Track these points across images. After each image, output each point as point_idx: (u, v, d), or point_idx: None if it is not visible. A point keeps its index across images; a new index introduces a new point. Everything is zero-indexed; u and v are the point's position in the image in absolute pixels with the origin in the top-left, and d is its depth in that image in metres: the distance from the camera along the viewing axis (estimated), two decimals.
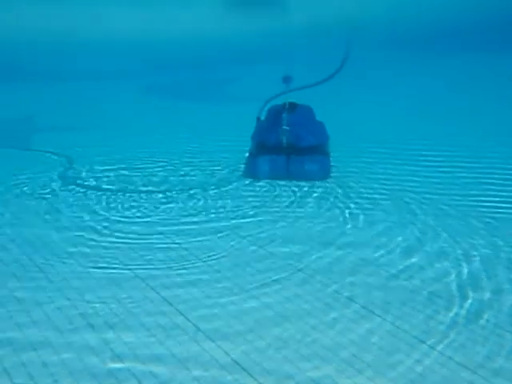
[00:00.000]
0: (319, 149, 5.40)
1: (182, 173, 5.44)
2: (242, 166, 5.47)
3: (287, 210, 4.46)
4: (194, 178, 5.30)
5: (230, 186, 5.01)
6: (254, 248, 3.79)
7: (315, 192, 4.83)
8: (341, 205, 4.57)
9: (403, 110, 7.82)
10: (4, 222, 4.24)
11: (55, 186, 5.05)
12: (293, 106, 5.39)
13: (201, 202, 4.65)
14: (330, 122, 5.52)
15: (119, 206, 4.57)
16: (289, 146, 5.28)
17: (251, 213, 4.38)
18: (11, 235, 4.02)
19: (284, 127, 5.19)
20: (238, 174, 5.38)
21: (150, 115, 7.57)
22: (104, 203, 4.64)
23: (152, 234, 4.01)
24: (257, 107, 5.70)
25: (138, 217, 4.31)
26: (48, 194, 4.86)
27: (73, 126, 6.86)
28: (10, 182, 5.10)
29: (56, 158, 5.80)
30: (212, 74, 10.19)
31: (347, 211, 4.42)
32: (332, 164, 5.33)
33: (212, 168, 5.59)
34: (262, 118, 5.64)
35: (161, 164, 5.66)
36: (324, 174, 5.27)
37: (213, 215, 4.32)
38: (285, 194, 4.81)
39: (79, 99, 8.56)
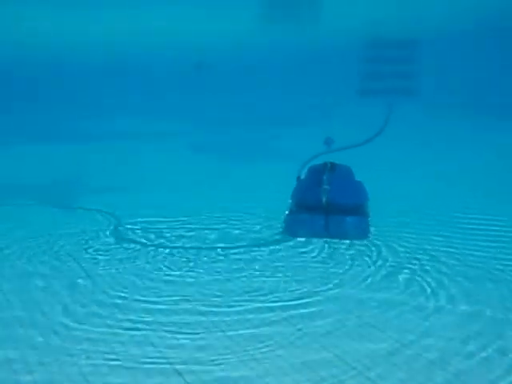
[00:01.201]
0: (358, 208, 5.51)
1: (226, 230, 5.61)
2: (281, 223, 5.63)
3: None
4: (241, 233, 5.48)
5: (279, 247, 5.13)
6: None
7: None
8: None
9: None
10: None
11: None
12: (333, 166, 5.57)
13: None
14: (371, 184, 5.64)
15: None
16: (328, 205, 5.40)
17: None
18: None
19: (325, 186, 5.24)
20: (278, 231, 5.52)
21: (196, 174, 7.64)
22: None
23: None
24: (296, 166, 5.77)
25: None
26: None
27: (119, 186, 7.08)
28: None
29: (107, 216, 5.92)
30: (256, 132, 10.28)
31: None
32: (371, 224, 5.41)
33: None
34: (302, 177, 5.71)
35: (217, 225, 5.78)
36: (363, 234, 5.36)
37: None
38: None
39: (124, 159, 8.71)
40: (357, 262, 4.74)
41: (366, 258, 4.81)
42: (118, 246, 5.11)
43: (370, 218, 5.42)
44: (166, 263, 4.76)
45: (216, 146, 9.65)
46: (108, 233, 5.47)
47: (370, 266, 4.63)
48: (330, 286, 4.29)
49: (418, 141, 9.73)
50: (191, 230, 5.60)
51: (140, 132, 10.69)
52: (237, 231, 5.57)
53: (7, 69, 11.89)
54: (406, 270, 4.58)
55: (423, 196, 6.72)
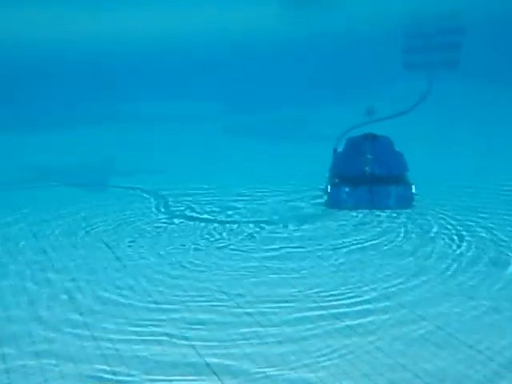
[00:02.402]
0: (400, 178, 5.55)
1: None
2: (323, 197, 5.66)
3: None
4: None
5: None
6: None
7: None
8: None
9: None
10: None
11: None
12: (373, 137, 5.59)
13: None
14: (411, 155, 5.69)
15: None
16: (371, 176, 5.46)
17: None
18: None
19: (368, 156, 5.21)
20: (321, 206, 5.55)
21: (229, 155, 7.65)
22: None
23: None
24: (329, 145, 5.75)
25: None
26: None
27: (153, 168, 7.11)
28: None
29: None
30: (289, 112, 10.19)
31: None
32: (415, 193, 5.41)
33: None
34: (339, 149, 5.69)
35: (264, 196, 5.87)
36: (407, 203, 5.39)
37: None
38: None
39: (159, 141, 8.71)
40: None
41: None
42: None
43: (413, 187, 5.41)
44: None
45: (254, 127, 9.54)
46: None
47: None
48: None
49: (461, 113, 9.56)
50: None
51: (174, 114, 10.64)
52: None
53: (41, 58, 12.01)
54: None
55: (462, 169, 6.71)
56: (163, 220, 5.25)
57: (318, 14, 12.89)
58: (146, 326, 3.32)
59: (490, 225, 4.83)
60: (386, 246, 4.48)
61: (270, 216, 5.28)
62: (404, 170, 5.56)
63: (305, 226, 4.98)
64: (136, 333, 3.25)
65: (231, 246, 4.56)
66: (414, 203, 5.37)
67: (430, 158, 6.91)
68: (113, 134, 9.50)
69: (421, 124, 8.31)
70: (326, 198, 5.55)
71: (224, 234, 4.83)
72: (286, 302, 3.56)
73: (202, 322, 3.32)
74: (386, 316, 3.31)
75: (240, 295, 3.64)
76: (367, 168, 5.40)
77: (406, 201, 5.35)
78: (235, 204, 5.64)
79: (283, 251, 4.43)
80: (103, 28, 13.34)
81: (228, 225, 5.06)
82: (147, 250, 4.53)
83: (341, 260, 4.22)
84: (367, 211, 5.27)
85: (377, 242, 4.55)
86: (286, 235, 4.77)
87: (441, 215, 5.10)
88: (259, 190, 6.10)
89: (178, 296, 3.68)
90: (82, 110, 10.50)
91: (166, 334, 3.21)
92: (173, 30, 13.46)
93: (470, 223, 4.89)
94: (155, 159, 7.68)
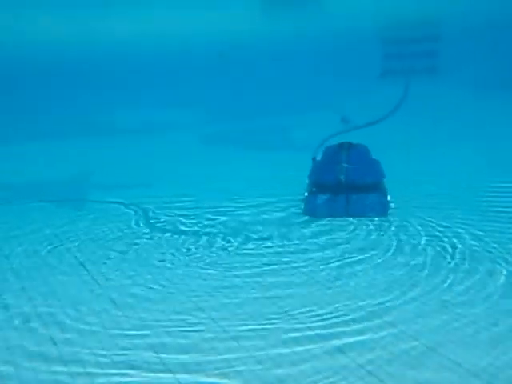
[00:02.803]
0: (376, 186, 5.62)
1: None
2: (300, 204, 5.72)
3: None
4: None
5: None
6: None
7: None
8: None
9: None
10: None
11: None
12: (350, 145, 5.71)
13: None
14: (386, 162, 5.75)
15: None
16: (347, 184, 5.51)
17: None
18: None
19: (344, 164, 5.29)
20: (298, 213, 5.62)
21: (208, 165, 7.69)
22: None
23: None
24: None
25: None
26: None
27: (131, 181, 7.04)
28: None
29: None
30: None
31: None
32: (390, 200, 5.52)
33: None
34: (318, 158, 5.75)
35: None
36: (383, 210, 5.47)
37: None
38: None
39: (136, 153, 8.65)
40: None
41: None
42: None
43: (388, 195, 5.51)
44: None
45: (229, 137, 9.54)
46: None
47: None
48: None
49: (438, 118, 9.65)
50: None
51: (150, 125, 10.59)
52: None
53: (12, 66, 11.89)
54: None
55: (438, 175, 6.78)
56: (142, 236, 5.18)
57: (296, 17, 12.88)
58: (113, 355, 3.15)
59: (479, 232, 4.87)
60: (378, 258, 4.40)
61: (250, 228, 5.27)
62: (380, 178, 5.64)
63: (287, 238, 4.98)
64: (99, 365, 3.05)
65: (210, 262, 4.50)
66: (390, 211, 5.43)
67: (408, 164, 6.97)
68: (87, 147, 9.32)
69: (399, 130, 8.38)
70: (303, 206, 5.62)
71: (202, 249, 4.79)
72: (272, 323, 3.44)
73: (181, 349, 3.21)
74: (378, 335, 3.21)
75: (222, 318, 3.54)
76: (342, 176, 5.47)
77: (381, 208, 5.42)
78: (215, 216, 5.63)
79: (266, 267, 4.35)
80: (71, 31, 13.09)
81: (207, 238, 5.04)
82: (121, 269, 4.40)
83: (327, 275, 4.14)
84: (350, 221, 5.30)
85: (367, 254, 4.49)
86: (268, 249, 4.74)
87: (426, 222, 5.17)
88: (239, 200, 6.10)
89: (150, 320, 3.54)
90: (53, 122, 10.35)
91: (133, 366, 3.04)
92: (151, 33, 13.30)
93: (458, 230, 4.94)
94: (133, 172, 7.60)
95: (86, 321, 3.57)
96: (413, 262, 4.29)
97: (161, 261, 4.55)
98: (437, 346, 3.10)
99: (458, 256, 4.36)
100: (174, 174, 7.36)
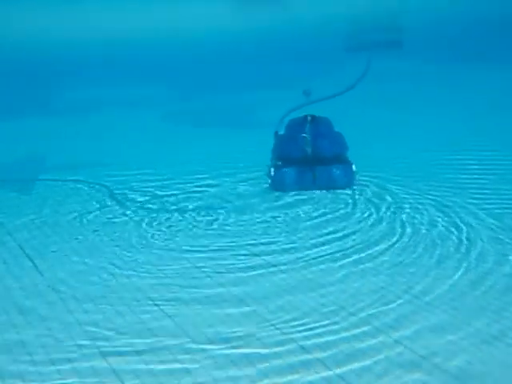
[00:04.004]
0: (341, 158, 5.69)
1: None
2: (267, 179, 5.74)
3: None
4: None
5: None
6: None
7: None
8: None
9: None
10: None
11: None
12: (313, 118, 5.70)
13: None
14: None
15: None
16: (313, 157, 5.57)
17: None
18: None
19: (308, 137, 5.43)
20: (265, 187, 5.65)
21: (170, 142, 7.59)
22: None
23: None
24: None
25: None
26: None
27: (92, 159, 6.86)
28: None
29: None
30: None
31: None
32: (355, 171, 5.62)
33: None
34: (280, 132, 5.76)
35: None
36: (349, 181, 5.55)
37: None
38: None
39: (95, 130, 8.40)
40: None
41: None
42: None
43: (354, 166, 5.59)
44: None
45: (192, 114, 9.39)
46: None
47: None
48: None
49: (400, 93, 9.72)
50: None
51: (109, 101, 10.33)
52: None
53: None
54: None
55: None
56: (101, 216, 5.07)
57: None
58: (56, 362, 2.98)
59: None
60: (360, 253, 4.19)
61: (212, 205, 5.25)
62: (344, 150, 5.72)
63: (253, 216, 4.94)
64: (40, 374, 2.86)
65: (165, 244, 4.43)
66: (356, 182, 5.53)
67: (369, 137, 7.01)
68: (43, 124, 8.97)
69: (360, 104, 8.43)
70: (269, 181, 5.65)
71: (161, 227, 4.74)
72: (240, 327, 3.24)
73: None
74: (363, 345, 3.02)
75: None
76: (308, 149, 5.54)
77: (347, 179, 5.51)
78: (177, 192, 5.60)
79: (228, 253, 4.24)
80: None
81: (166, 216, 4.99)
82: (71, 256, 4.25)
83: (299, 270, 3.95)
84: (321, 196, 5.33)
85: (349, 243, 4.34)
86: (232, 228, 4.71)
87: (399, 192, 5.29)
88: (201, 177, 6.04)
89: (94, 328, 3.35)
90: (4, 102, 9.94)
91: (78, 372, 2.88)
92: (123, 26, 13.07)
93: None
94: (94, 150, 7.37)
95: None
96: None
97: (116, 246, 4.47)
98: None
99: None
100: (136, 152, 7.21)
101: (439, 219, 4.63)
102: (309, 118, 5.64)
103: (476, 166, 5.97)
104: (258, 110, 8.97)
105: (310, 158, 5.51)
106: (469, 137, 7.00)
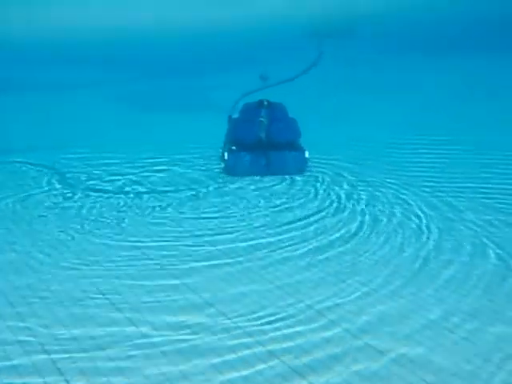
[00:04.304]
0: (295, 144, 5.67)
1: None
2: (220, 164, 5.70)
3: None
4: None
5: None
6: None
7: None
8: None
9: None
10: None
11: None
12: (268, 104, 5.68)
13: None
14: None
15: None
16: (267, 142, 5.54)
17: None
18: None
19: (263, 121, 5.34)
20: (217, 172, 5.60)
21: (120, 125, 7.41)
22: None
23: None
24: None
25: None
26: None
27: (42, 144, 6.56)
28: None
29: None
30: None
31: None
32: (308, 158, 5.61)
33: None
34: (234, 116, 5.69)
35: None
36: (302, 167, 5.55)
37: None
38: None
39: (39, 113, 8.08)
40: None
41: None
42: None
43: (307, 152, 5.58)
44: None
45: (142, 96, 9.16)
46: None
47: None
48: None
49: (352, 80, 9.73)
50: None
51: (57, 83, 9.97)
52: None
53: None
54: None
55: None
56: (47, 201, 4.88)
57: None
58: None
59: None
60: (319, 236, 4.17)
61: (164, 190, 5.13)
62: (298, 136, 5.71)
63: (207, 202, 4.85)
64: None
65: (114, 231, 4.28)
66: (308, 168, 5.53)
67: (320, 124, 6.99)
68: None
69: (312, 90, 8.40)
70: (223, 165, 5.60)
71: (109, 214, 4.60)
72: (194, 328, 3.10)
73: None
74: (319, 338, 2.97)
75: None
76: (262, 134, 5.51)
77: (300, 166, 5.51)
78: (127, 176, 5.46)
79: (182, 242, 4.10)
80: None
81: (116, 201, 4.86)
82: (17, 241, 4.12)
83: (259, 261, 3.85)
84: (277, 180, 5.29)
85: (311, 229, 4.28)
86: (184, 215, 4.58)
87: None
88: (151, 160, 5.91)
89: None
90: None
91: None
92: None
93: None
94: (39, 133, 7.06)
95: None
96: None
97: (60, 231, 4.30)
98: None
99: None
100: (87, 135, 6.96)
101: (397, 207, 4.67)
102: (265, 102, 5.61)
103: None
104: (210, 94, 8.89)
105: (263, 142, 5.49)
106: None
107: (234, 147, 5.57)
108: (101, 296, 3.37)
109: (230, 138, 5.69)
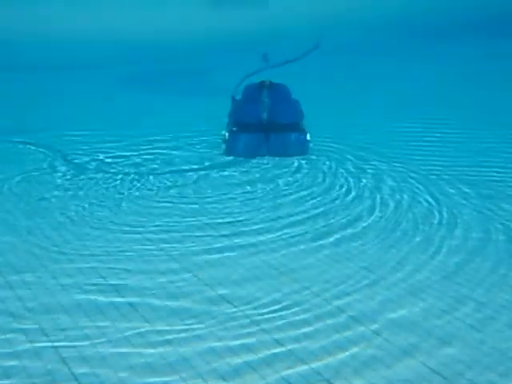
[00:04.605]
0: (297, 126, 5.60)
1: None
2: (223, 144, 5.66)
3: None
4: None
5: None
6: None
7: None
8: None
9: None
10: None
11: None
12: (270, 84, 5.60)
13: None
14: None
15: None
16: (268, 123, 5.49)
17: None
18: None
19: (265, 102, 5.42)
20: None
21: (126, 107, 7.40)
22: None
23: None
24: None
25: None
26: None
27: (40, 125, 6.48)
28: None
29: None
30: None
31: None
32: (309, 140, 5.56)
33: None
34: (238, 96, 5.62)
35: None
36: (303, 150, 5.49)
37: None
38: None
39: (45, 93, 8.00)
40: None
41: None
42: None
43: (308, 134, 5.53)
44: None
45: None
46: None
47: None
48: None
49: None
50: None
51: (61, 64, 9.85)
52: None
53: None
54: None
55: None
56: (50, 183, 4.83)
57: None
58: None
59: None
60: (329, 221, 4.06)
61: (168, 173, 5.06)
62: (300, 118, 5.63)
63: (216, 189, 4.71)
64: None
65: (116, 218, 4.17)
66: (310, 150, 5.47)
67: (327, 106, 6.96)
68: None
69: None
70: (224, 146, 5.54)
71: (106, 192, 4.57)
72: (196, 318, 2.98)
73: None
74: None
75: None
76: (264, 115, 5.44)
77: (301, 148, 5.44)
78: (133, 158, 5.42)
79: (190, 233, 3.91)
80: None
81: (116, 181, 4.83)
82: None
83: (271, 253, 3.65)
84: (280, 163, 5.22)
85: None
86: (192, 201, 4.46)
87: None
88: (156, 144, 5.84)
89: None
90: None
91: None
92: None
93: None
94: (39, 114, 7.02)
95: None
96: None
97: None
98: None
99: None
100: (90, 115, 6.93)
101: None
102: (267, 83, 5.53)
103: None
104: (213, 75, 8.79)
105: (265, 124, 5.43)
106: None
107: (234, 128, 5.51)
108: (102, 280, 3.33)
109: (232, 118, 5.62)
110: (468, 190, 4.56)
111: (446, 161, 5.27)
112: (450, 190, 4.57)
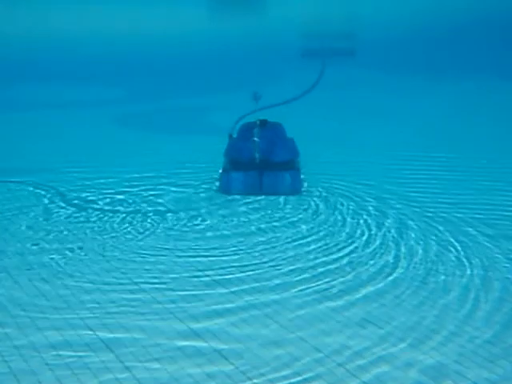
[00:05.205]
0: (290, 164, 5.62)
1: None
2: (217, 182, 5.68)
3: None
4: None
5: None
6: None
7: None
8: None
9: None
10: None
11: None
12: (264, 123, 5.66)
13: None
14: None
15: None
16: (262, 162, 5.52)
17: None
18: None
19: (258, 141, 5.41)
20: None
21: (121, 147, 7.36)
22: None
23: None
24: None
25: None
26: None
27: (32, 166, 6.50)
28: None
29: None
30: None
31: None
32: (304, 179, 5.59)
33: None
34: (234, 135, 5.67)
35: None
36: (296, 188, 5.49)
37: None
38: None
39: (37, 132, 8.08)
40: None
41: None
42: None
43: (302, 173, 5.58)
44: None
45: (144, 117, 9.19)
46: None
47: None
48: None
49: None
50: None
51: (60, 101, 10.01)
52: None
53: None
54: None
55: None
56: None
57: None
58: None
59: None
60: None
61: (162, 212, 5.10)
62: (294, 156, 5.68)
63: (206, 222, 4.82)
64: None
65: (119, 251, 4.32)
66: (303, 189, 5.46)
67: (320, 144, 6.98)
68: None
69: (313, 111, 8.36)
70: (218, 184, 5.57)
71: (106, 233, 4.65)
72: None
73: None
74: None
75: None
76: (256, 154, 5.47)
77: (294, 187, 5.44)
78: (127, 197, 5.44)
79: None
80: None
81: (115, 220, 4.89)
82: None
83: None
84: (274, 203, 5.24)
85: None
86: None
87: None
88: (151, 182, 5.84)
89: None
90: None
91: None
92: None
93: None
94: (35, 153, 7.02)
95: None
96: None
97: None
98: None
99: None
100: (88, 156, 6.88)
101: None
102: (258, 122, 5.54)
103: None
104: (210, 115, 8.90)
105: (258, 162, 5.44)
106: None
107: (228, 166, 5.55)
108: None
109: (227, 156, 5.66)
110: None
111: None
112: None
